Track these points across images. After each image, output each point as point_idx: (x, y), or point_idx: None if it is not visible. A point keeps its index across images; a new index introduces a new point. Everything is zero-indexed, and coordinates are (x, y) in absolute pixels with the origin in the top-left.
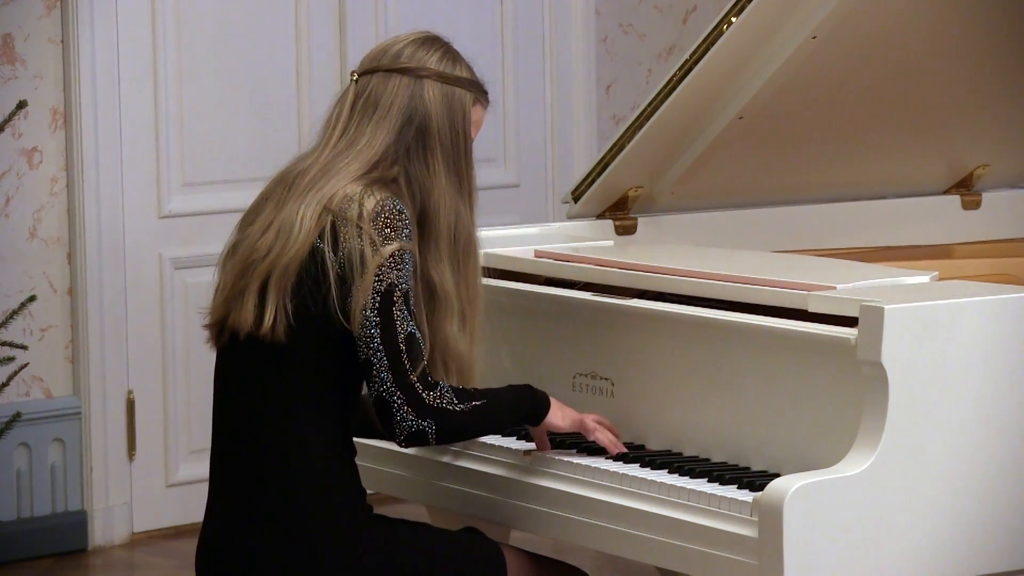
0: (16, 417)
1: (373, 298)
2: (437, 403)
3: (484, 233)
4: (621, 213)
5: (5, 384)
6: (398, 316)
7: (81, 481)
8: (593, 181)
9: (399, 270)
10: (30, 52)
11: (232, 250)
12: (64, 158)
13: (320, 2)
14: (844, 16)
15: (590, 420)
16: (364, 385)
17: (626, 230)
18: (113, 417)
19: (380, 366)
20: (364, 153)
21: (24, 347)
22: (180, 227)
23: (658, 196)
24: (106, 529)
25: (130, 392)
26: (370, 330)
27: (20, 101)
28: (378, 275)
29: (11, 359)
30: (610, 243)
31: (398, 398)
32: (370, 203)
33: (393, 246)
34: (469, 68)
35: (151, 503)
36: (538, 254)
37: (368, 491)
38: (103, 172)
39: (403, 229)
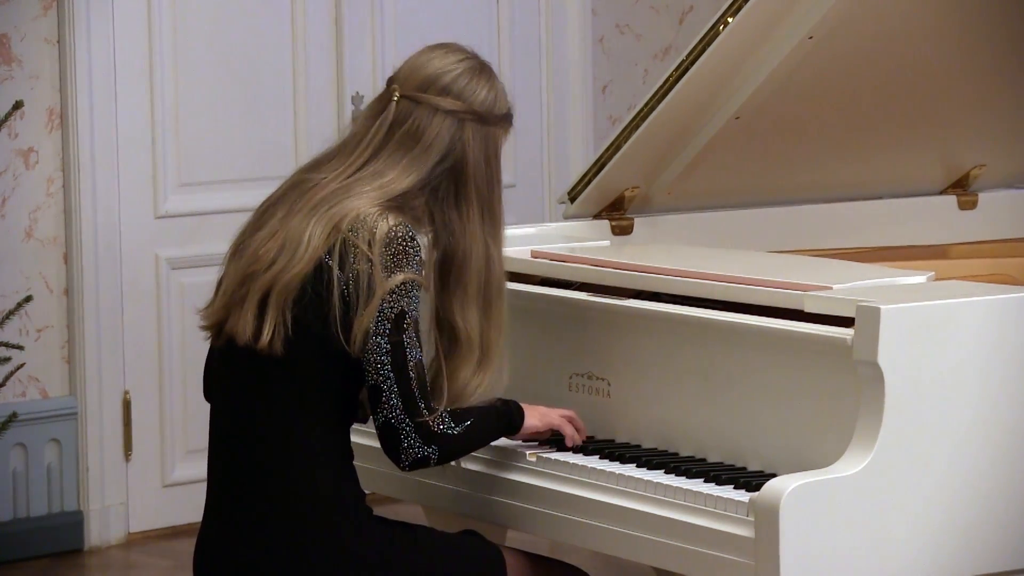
0: (12, 417)
1: (383, 324)
2: (440, 429)
3: None
4: (617, 213)
5: (1, 384)
6: (408, 343)
7: (77, 481)
8: (590, 181)
9: (408, 298)
10: (26, 52)
11: (237, 250)
12: (60, 158)
13: (316, 2)
14: (840, 16)
15: (558, 417)
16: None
17: (622, 230)
18: (109, 417)
19: (390, 392)
20: (390, 187)
21: (20, 347)
22: (176, 227)
23: (654, 196)
24: (102, 529)
25: (126, 392)
26: (380, 356)
27: (16, 101)
28: (387, 302)
29: (7, 359)
30: (606, 243)
31: (407, 425)
32: (383, 227)
33: (401, 277)
34: (505, 97)
35: (147, 503)
36: (534, 254)
37: (365, 491)
38: (99, 172)
39: (413, 257)
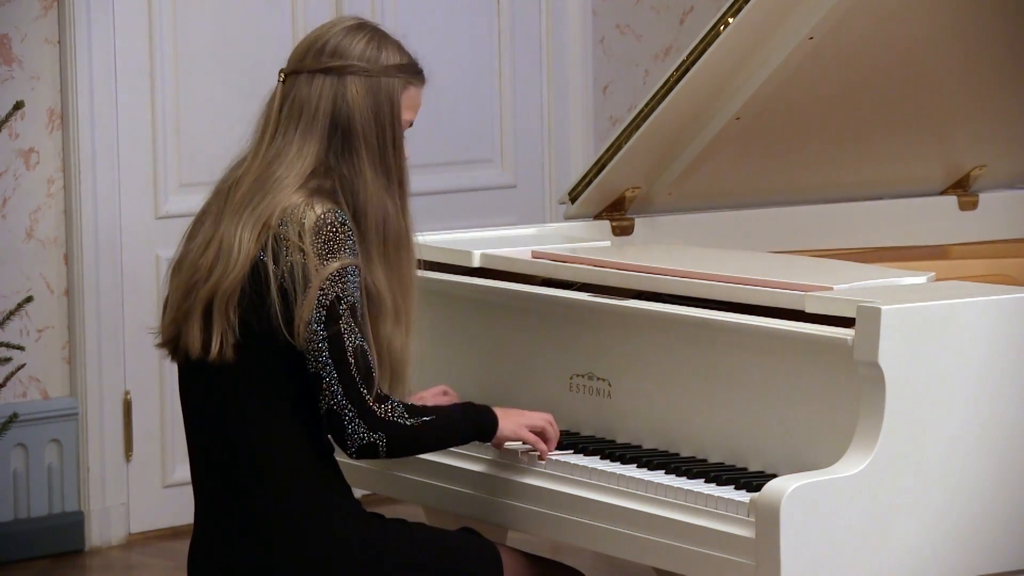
0: (13, 418)
1: (319, 312)
2: (388, 416)
3: (481, 234)
4: (618, 214)
5: (2, 385)
6: (345, 329)
7: (78, 482)
8: (590, 182)
9: (343, 284)
10: (27, 53)
11: (177, 265)
12: (61, 159)
13: (317, 3)
14: (841, 17)
15: (529, 434)
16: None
17: (623, 231)
18: (110, 418)
19: (330, 379)
20: (295, 164)
21: (21, 348)
22: (177, 228)
23: (655, 197)
24: (103, 530)
25: (127, 393)
26: (317, 344)
27: (17, 102)
28: (322, 290)
29: (8, 360)
30: (607, 244)
31: (349, 411)
32: (311, 217)
33: (335, 264)
34: (399, 50)
35: (148, 504)
36: (535, 255)
37: (365, 491)
38: (100, 173)
39: (345, 242)
